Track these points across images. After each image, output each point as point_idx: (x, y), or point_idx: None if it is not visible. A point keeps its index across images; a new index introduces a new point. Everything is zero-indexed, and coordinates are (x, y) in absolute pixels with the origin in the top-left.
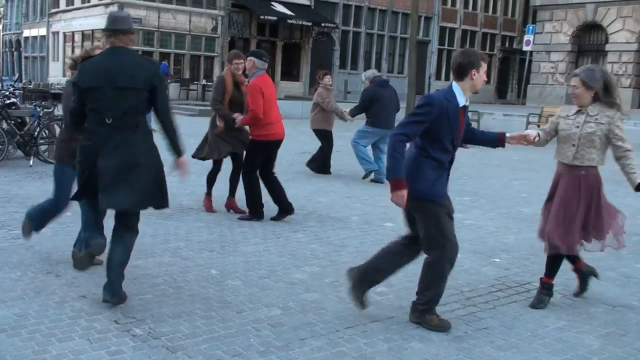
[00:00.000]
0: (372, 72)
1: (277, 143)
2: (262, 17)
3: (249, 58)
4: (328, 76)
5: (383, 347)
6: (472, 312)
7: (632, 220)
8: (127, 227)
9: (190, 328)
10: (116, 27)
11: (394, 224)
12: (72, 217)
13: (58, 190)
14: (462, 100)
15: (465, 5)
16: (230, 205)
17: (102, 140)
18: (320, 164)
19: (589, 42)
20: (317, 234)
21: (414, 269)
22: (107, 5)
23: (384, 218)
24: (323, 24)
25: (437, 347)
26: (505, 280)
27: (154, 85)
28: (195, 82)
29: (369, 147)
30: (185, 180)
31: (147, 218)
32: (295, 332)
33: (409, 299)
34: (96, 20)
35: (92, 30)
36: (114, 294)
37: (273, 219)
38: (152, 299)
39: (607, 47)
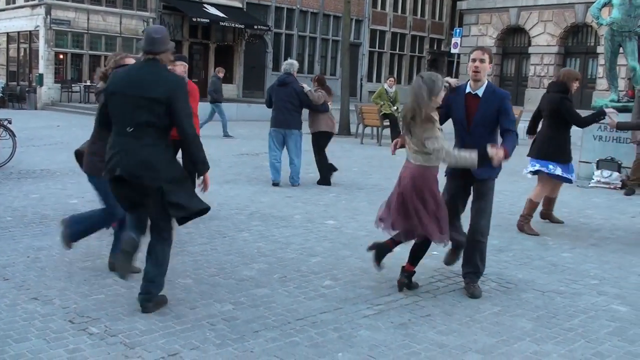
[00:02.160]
0: (285, 65)
1: None
2: (194, 19)
3: (179, 63)
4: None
5: (333, 336)
6: (415, 301)
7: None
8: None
9: (146, 325)
10: (155, 50)
11: (335, 222)
12: (13, 222)
13: (108, 200)
14: (467, 88)
15: (395, 9)
16: None
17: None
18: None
19: (513, 44)
20: (261, 232)
21: (356, 263)
22: (33, 6)
23: (326, 216)
24: (255, 27)
25: (384, 334)
26: (444, 271)
27: (172, 99)
28: None
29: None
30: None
31: None
32: (249, 325)
33: (355, 291)
34: (22, 22)
35: (18, 32)
36: (146, 300)
37: None
38: (105, 298)
39: (530, 49)
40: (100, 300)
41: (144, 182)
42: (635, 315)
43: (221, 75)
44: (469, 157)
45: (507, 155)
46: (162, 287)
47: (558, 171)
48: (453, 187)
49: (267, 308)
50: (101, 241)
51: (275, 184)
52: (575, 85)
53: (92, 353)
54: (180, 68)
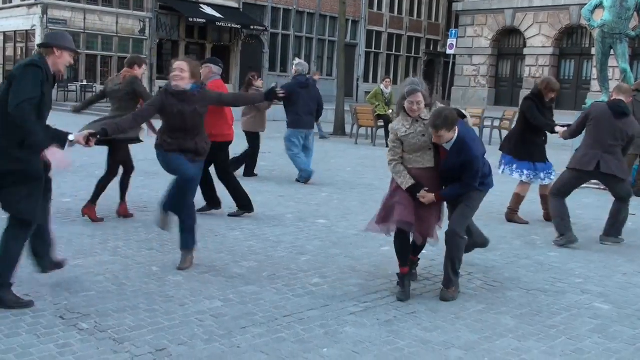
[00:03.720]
0: (299, 66)
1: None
2: (190, 19)
3: (205, 65)
4: (260, 79)
5: (319, 332)
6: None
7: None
8: None
9: (135, 321)
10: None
11: (326, 221)
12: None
13: (179, 169)
14: None
15: (391, 10)
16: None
17: None
18: (246, 165)
19: (508, 46)
20: (253, 231)
21: (345, 262)
22: (30, 6)
23: (317, 215)
24: (252, 27)
25: (369, 330)
26: (432, 270)
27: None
28: None
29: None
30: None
31: (84, 219)
32: (237, 322)
33: (342, 289)
34: (19, 21)
35: (15, 32)
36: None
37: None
38: (96, 295)
39: (525, 51)
40: (90, 297)
41: None
42: (617, 313)
43: (317, 77)
44: (403, 183)
45: (437, 199)
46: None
47: (515, 173)
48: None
49: (255, 305)
50: (93, 239)
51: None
52: (550, 96)
53: (82, 348)
54: (206, 70)
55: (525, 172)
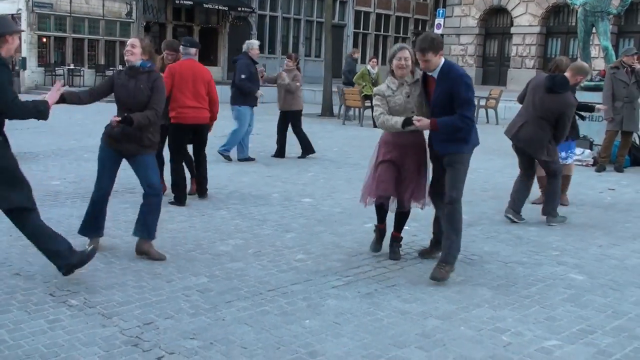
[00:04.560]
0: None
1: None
2: (177, 1)
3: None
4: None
5: (302, 305)
6: (382, 273)
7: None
8: None
9: (123, 297)
10: None
11: (312, 200)
12: None
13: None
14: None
15: None
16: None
17: None
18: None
19: (495, 25)
20: (239, 210)
21: (329, 238)
22: None
23: (303, 194)
24: (239, 9)
25: (350, 302)
26: (413, 245)
27: None
28: (111, 68)
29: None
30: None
31: (73, 201)
32: (222, 296)
33: (326, 264)
34: (4, 5)
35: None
36: None
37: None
38: (85, 273)
39: (512, 30)
40: (80, 275)
41: None
42: (590, 283)
43: (356, 56)
44: (392, 121)
45: (434, 126)
46: None
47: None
48: (435, 170)
49: (240, 280)
50: (81, 219)
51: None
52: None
53: (71, 323)
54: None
55: (564, 153)
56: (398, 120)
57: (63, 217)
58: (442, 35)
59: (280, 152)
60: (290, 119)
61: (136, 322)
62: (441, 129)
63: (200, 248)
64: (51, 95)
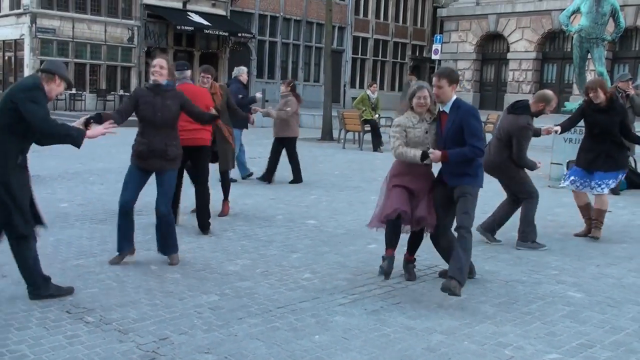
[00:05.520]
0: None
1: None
2: (178, 27)
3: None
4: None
5: (311, 321)
6: (388, 291)
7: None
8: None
9: (138, 314)
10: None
11: (316, 221)
12: None
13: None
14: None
15: (377, 16)
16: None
17: None
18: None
19: (492, 51)
20: (245, 232)
21: (334, 258)
22: (18, 15)
23: (307, 216)
24: (239, 34)
25: (357, 319)
26: (416, 264)
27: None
28: (112, 93)
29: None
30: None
31: (82, 223)
32: (233, 313)
33: (332, 283)
34: (7, 30)
35: (3, 41)
36: None
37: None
38: (99, 292)
39: (509, 55)
40: (94, 294)
41: None
42: (589, 301)
43: (413, 81)
44: (411, 153)
45: (445, 158)
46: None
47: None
48: (438, 197)
49: (250, 298)
50: (92, 241)
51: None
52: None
53: (89, 338)
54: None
55: (572, 178)
56: (417, 153)
57: (73, 238)
58: (439, 60)
59: (267, 177)
60: (284, 145)
61: (152, 337)
62: (452, 159)
63: (209, 268)
64: (95, 131)
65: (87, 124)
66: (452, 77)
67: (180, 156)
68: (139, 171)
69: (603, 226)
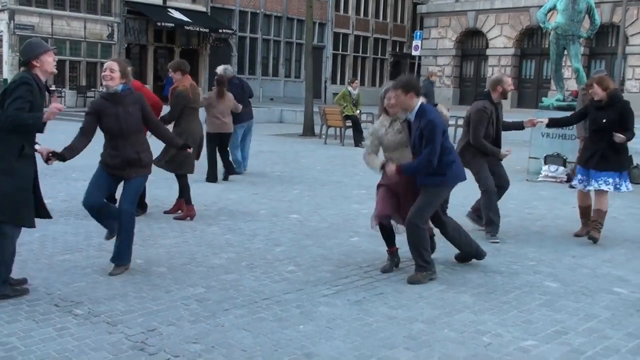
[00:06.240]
0: (228, 71)
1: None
2: (158, 23)
3: None
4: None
5: (296, 312)
6: (370, 282)
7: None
8: None
9: (125, 307)
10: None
11: (299, 215)
12: None
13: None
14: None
15: (357, 12)
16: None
17: None
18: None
19: (471, 47)
20: (229, 226)
21: (317, 251)
22: None
23: (290, 211)
24: (220, 30)
25: (341, 309)
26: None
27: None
28: (93, 89)
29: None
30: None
31: (66, 218)
32: (220, 305)
33: (316, 275)
34: None
35: None
36: None
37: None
38: (86, 286)
39: (488, 51)
40: (81, 287)
41: None
42: (564, 290)
43: (433, 78)
44: (373, 163)
45: (399, 172)
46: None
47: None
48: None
49: (235, 290)
50: (77, 236)
51: None
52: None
53: (78, 330)
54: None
55: (579, 177)
56: (378, 164)
57: (59, 233)
58: (419, 56)
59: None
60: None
61: (140, 329)
62: (405, 172)
63: (194, 261)
64: (43, 147)
65: (49, 157)
66: (407, 86)
67: (151, 163)
68: (109, 176)
69: (598, 222)
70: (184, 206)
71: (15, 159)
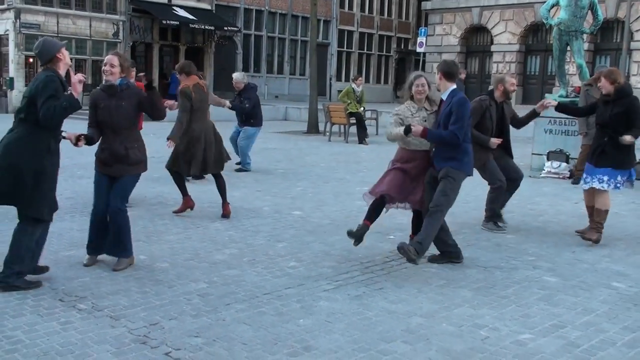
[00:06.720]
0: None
1: None
2: (164, 21)
3: None
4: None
5: (296, 306)
6: (370, 277)
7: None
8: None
9: (128, 301)
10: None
11: (301, 212)
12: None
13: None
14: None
15: (362, 9)
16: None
17: None
18: None
19: (476, 43)
20: (232, 222)
21: (319, 247)
22: (2, 11)
23: (293, 207)
24: (225, 28)
25: (341, 304)
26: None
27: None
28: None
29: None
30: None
31: (72, 215)
32: (221, 299)
33: (317, 270)
34: None
35: None
36: None
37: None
38: (90, 281)
39: (493, 48)
40: (85, 283)
41: None
42: (563, 285)
43: (462, 76)
44: (397, 131)
45: (424, 134)
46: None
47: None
48: (428, 179)
49: (237, 285)
50: (82, 233)
51: None
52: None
53: (82, 324)
54: None
55: (584, 175)
56: (401, 128)
57: (64, 230)
58: (424, 53)
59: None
60: None
61: (143, 323)
62: (429, 136)
63: (197, 257)
64: (75, 85)
65: (78, 139)
66: (445, 71)
67: (142, 164)
68: (104, 178)
69: (580, 215)
70: (227, 206)
71: (44, 157)
